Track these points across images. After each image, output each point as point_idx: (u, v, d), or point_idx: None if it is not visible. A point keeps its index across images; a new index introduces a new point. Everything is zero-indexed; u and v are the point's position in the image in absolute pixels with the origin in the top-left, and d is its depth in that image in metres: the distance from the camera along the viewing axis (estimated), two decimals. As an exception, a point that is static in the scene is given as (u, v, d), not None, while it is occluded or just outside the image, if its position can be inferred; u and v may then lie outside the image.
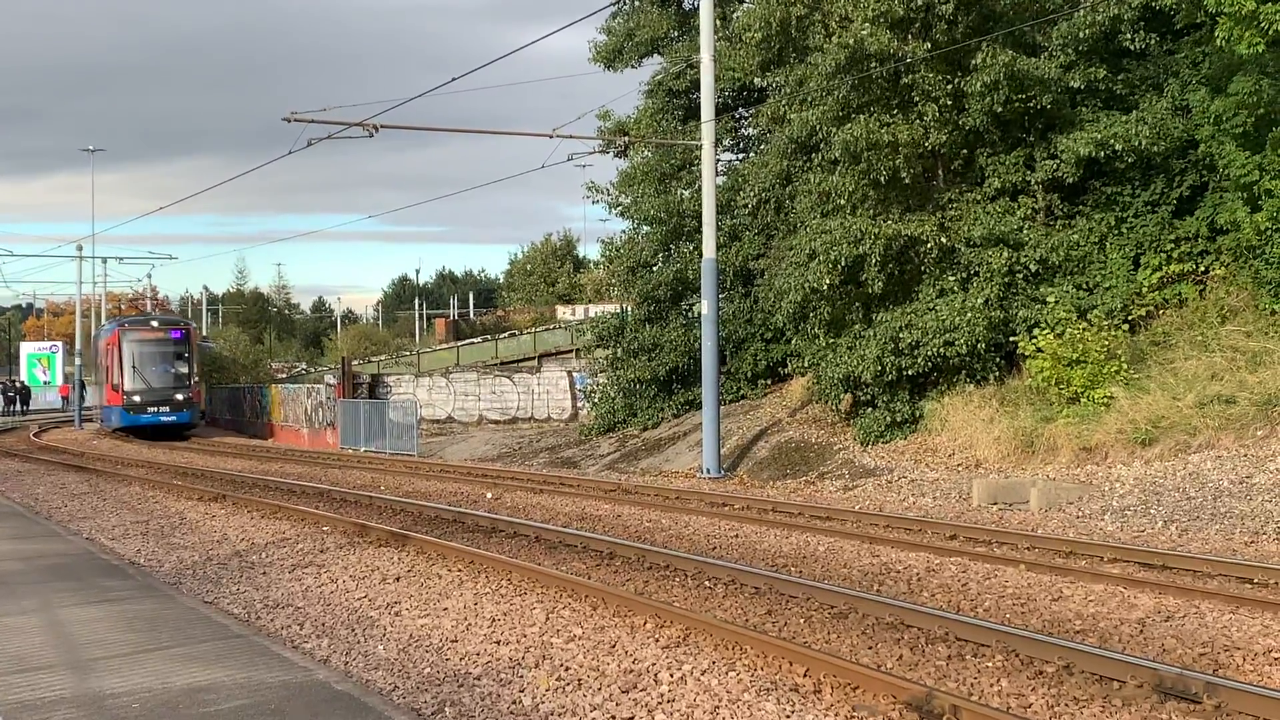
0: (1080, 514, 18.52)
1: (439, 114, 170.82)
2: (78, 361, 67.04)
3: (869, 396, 26.06)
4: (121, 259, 72.37)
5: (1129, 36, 24.35)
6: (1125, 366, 22.58)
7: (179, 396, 49.14)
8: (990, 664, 9.62)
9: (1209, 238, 23.76)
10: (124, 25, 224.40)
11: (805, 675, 9.19)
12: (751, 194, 30.76)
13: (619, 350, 36.04)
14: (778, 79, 28.18)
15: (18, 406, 75.80)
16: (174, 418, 48.97)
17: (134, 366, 48.90)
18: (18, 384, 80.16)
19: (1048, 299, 24.05)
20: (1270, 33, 19.60)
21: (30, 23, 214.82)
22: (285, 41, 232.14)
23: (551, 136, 26.52)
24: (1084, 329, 22.90)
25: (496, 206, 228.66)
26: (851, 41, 23.94)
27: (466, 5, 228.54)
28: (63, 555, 15.73)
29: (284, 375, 67.00)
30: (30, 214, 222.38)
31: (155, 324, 51.14)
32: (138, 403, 48.46)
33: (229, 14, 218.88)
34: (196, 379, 51.23)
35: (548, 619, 11.37)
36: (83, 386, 65.31)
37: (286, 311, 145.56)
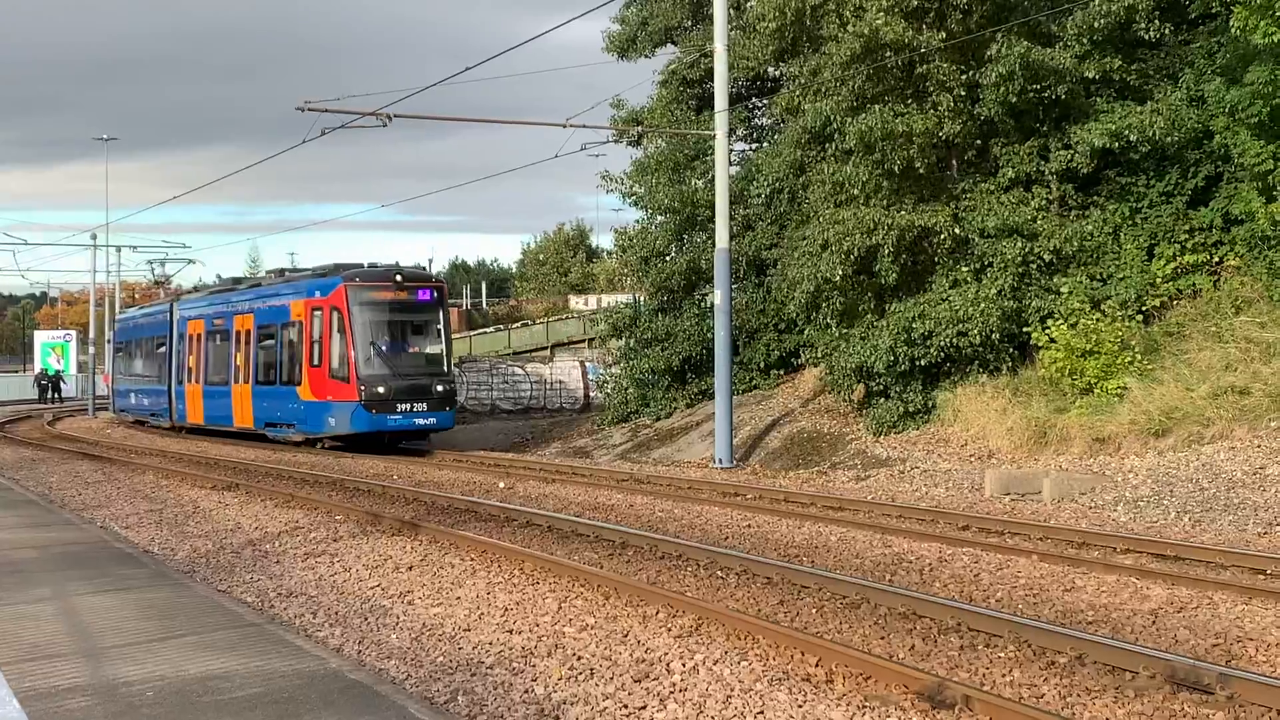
0: (1093, 505, 18.49)
1: (455, 103, 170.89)
2: (91, 350, 67.16)
3: (881, 387, 26.03)
4: (135, 248, 72.08)
5: (1144, 26, 24.25)
6: (1139, 357, 22.52)
7: (439, 388, 32.78)
8: (1002, 654, 9.62)
9: (1223, 228, 23.68)
10: (145, 14, 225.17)
11: (817, 665, 9.20)
12: (765, 184, 30.70)
13: (632, 340, 36.04)
14: (792, 69, 28.10)
15: (50, 395, 76.29)
16: (432, 419, 32.81)
17: (372, 343, 32.42)
18: (50, 374, 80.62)
19: (1061, 290, 24.00)
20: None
21: (53, 13, 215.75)
22: (304, 30, 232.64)
23: (565, 126, 26.52)
24: (1098, 320, 22.84)
25: (511, 196, 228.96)
26: (866, 31, 23.88)
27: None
28: (77, 543, 15.78)
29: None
30: (49, 202, 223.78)
31: (400, 278, 33.35)
32: (383, 396, 31.81)
33: (249, 2, 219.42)
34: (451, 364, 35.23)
35: (560, 608, 11.40)
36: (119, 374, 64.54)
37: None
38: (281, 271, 39.77)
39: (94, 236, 66.59)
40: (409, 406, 32.14)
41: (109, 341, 55.95)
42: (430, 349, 33.61)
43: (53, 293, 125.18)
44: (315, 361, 32.98)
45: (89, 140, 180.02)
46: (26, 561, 14.10)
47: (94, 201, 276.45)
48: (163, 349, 44.30)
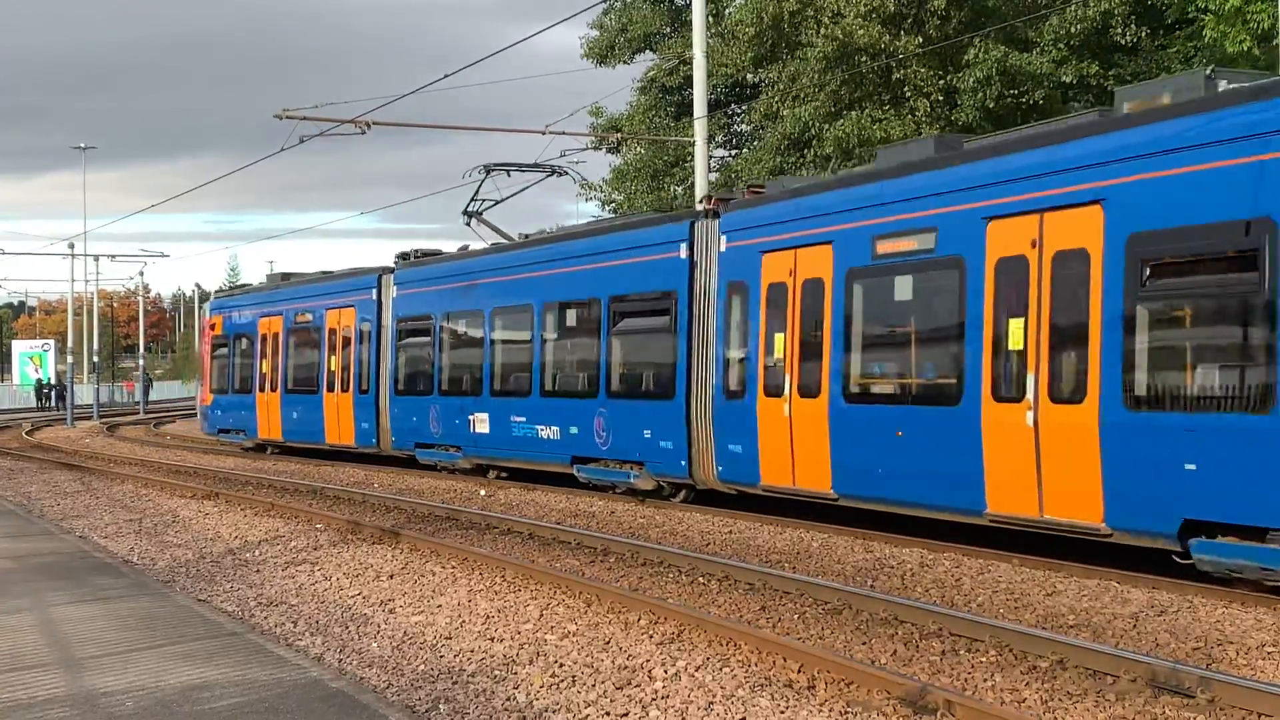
0: (1073, 509, 18.50)
1: (438, 111, 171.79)
2: (70, 360, 66.88)
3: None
4: (114, 257, 72.39)
5: (1120, 31, 24.42)
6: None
7: None
8: (984, 659, 9.63)
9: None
10: (128, 23, 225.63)
11: (799, 671, 9.19)
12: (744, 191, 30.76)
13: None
14: (770, 75, 28.22)
15: (53, 403, 76.15)
16: None
17: None
18: (55, 383, 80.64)
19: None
20: (1258, 30, 19.64)
21: (33, 23, 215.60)
22: (288, 39, 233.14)
23: (544, 133, 26.55)
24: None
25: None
26: (840, 34, 23.97)
27: (471, 3, 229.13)
28: (56, 554, 15.70)
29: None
30: (29, 211, 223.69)
31: None
32: None
33: (234, 11, 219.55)
34: None
35: (541, 616, 11.38)
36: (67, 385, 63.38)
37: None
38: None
39: (71, 245, 66.40)
40: None
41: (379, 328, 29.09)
42: None
43: (30, 302, 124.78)
44: None
45: (69, 149, 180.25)
46: (4, 572, 14.02)
47: (74, 211, 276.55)
48: (655, 321, 20.38)
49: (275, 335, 33.19)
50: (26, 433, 52.32)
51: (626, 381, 20.99)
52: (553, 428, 22.40)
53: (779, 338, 17.51)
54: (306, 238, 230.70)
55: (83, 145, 70.52)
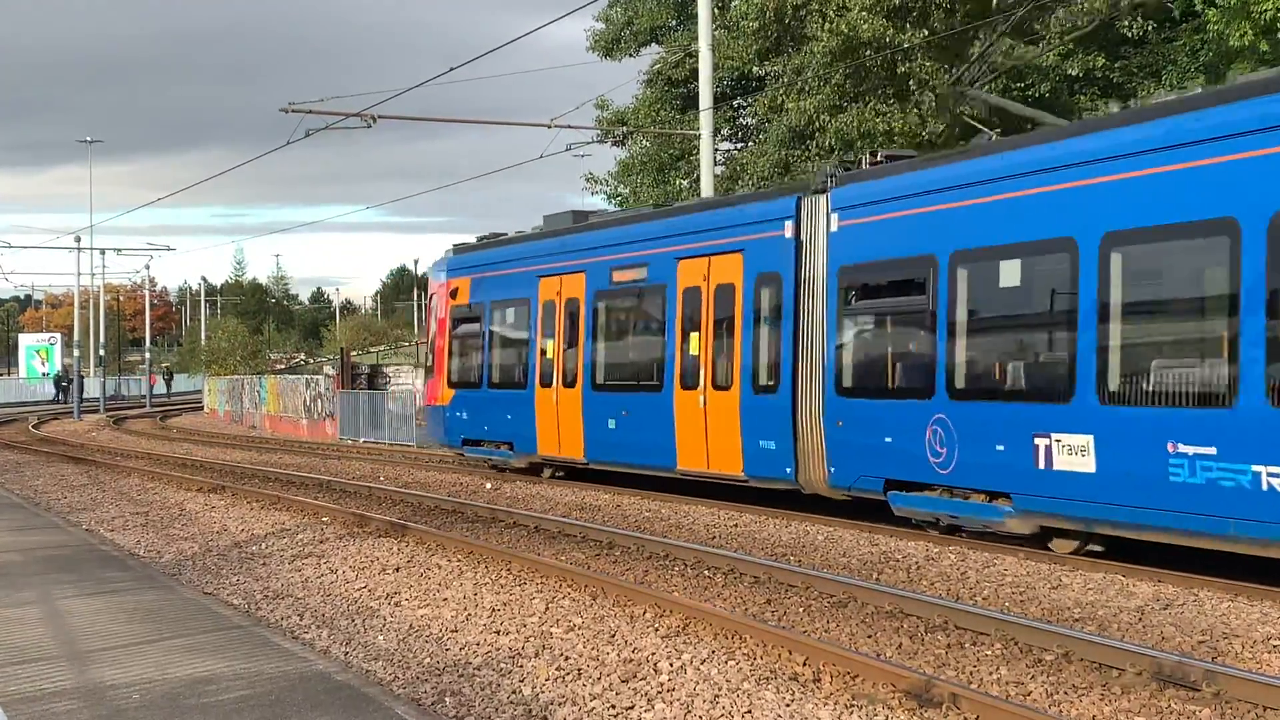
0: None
1: (444, 104, 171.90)
2: (76, 353, 66.97)
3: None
4: (120, 250, 72.37)
5: (1127, 24, 24.37)
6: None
7: None
8: (989, 652, 9.63)
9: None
10: (134, 17, 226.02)
11: (804, 664, 9.20)
12: (750, 183, 30.76)
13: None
14: (775, 68, 28.19)
15: (72, 397, 76.39)
16: None
17: None
18: (70, 376, 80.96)
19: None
20: (1262, 23, 19.60)
21: (42, 16, 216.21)
22: (294, 33, 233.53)
23: (549, 126, 26.52)
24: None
25: (500, 196, 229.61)
26: (844, 28, 23.94)
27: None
28: (62, 546, 15.73)
29: (283, 366, 66.99)
30: (39, 204, 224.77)
31: None
32: None
33: (239, 5, 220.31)
34: None
35: (547, 609, 11.39)
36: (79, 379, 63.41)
37: (285, 302, 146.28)
38: None
39: (78, 239, 66.44)
40: None
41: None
42: None
43: (37, 295, 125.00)
44: None
45: (75, 143, 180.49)
46: (11, 565, 14.05)
47: (81, 204, 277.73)
48: None
49: (571, 303, 22.09)
50: (33, 426, 52.41)
51: None
52: None
53: None
54: (313, 231, 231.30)
55: (89, 139, 70.63)
